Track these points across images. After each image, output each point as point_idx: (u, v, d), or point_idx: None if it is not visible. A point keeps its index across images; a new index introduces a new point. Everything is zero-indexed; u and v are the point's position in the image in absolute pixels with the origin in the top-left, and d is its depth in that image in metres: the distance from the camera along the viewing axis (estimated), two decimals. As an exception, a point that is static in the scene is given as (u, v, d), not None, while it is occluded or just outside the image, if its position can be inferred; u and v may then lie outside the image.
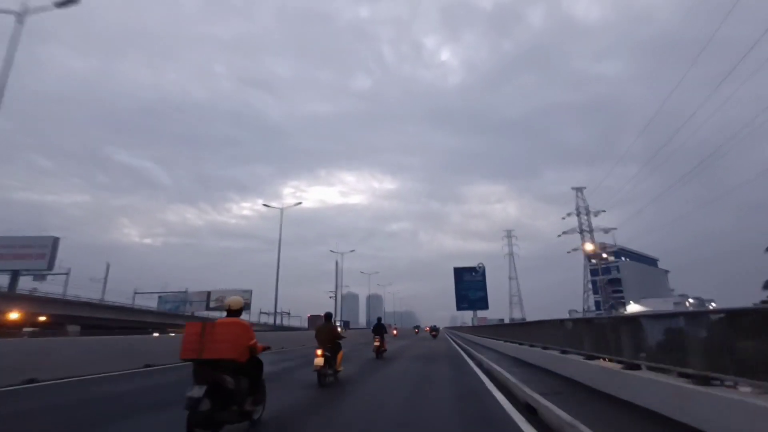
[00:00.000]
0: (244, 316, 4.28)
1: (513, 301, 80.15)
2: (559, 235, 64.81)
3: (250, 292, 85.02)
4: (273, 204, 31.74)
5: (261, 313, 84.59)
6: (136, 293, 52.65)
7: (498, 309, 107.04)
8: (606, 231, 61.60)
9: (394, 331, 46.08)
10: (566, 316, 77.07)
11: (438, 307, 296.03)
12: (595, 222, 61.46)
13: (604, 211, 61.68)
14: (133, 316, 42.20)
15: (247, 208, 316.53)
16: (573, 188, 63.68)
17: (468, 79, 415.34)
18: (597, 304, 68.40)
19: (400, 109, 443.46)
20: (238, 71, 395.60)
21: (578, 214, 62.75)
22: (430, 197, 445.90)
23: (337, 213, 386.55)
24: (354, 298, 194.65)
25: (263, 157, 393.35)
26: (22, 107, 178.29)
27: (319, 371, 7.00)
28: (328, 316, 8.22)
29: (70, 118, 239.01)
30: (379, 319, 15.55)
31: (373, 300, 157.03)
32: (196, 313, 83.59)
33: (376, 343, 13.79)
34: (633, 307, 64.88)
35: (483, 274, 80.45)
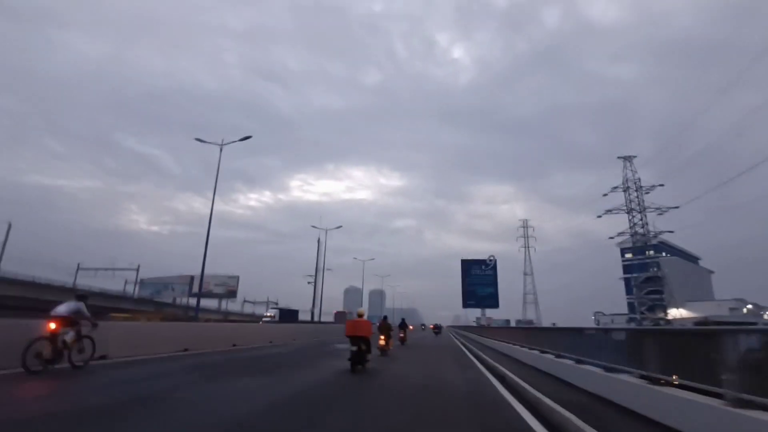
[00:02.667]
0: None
1: (527, 299, 69.65)
2: (599, 216, 52.80)
3: (236, 278, 78.58)
4: (209, 140, 23.33)
5: (245, 301, 76.40)
6: (79, 269, 45.62)
7: (506, 310, 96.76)
8: (661, 211, 48.45)
9: (410, 327, 50.97)
10: (591, 319, 66.31)
11: (441, 306, 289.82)
12: (648, 200, 48.95)
13: (661, 185, 48.30)
14: (49, 294, 34.81)
15: (253, 199, 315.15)
16: (620, 157, 51.31)
17: (480, 77, 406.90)
18: (630, 306, 57.61)
19: (410, 106, 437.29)
20: (249, 62, 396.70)
21: (625, 189, 50.12)
22: (437, 195, 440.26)
23: (343, 207, 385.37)
24: (357, 292, 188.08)
25: (271, 149, 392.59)
26: (34, 90, 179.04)
27: (382, 348, 13.11)
28: (385, 317, 14.89)
29: (81, 102, 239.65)
30: (403, 320, 22.01)
31: (375, 296, 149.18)
32: (178, 300, 76.97)
33: (401, 335, 19.72)
34: (677, 312, 53.67)
35: (494, 269, 70.57)
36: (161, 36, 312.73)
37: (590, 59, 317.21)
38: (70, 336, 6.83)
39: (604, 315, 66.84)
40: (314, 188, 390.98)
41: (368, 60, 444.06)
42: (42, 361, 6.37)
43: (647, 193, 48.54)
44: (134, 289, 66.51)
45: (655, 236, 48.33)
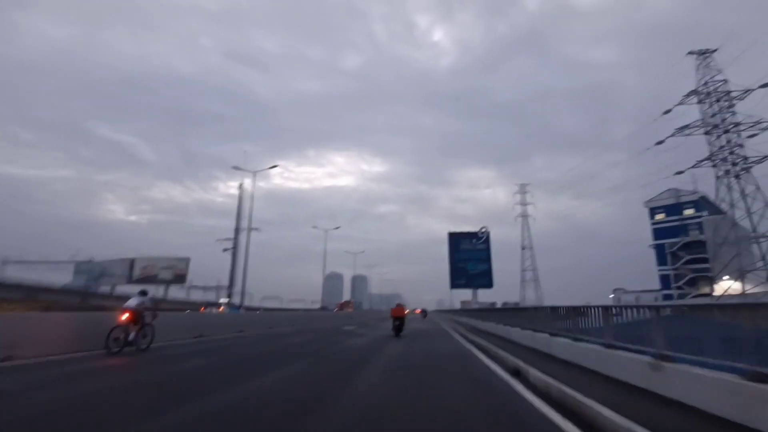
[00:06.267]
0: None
1: (526, 277, 56.55)
2: (659, 142, 36.40)
3: (186, 260, 67.20)
4: None
5: (191, 286, 64.19)
6: None
7: (497, 294, 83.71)
8: (760, 128, 31.34)
9: (407, 310, 48.37)
10: (609, 299, 53.48)
11: (425, 291, 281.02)
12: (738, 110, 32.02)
13: (766, 85, 30.59)
14: None
15: (233, 187, 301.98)
16: (691, 53, 34.81)
17: (461, 60, 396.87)
18: (664, 279, 44.72)
19: (392, 90, 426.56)
20: (225, 45, 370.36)
21: (703, 99, 33.44)
22: (420, 180, 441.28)
23: (326, 194, 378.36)
24: (338, 278, 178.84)
25: (251, 135, 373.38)
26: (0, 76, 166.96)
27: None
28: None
29: (51, 89, 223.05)
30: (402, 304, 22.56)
31: (358, 281, 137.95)
32: (118, 288, 65.50)
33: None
34: (725, 285, 40.64)
35: (487, 242, 57.82)
36: (132, 18, 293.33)
37: (571, 42, 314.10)
38: (137, 325, 8.59)
39: (626, 292, 54.30)
40: (295, 175, 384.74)
41: (348, 43, 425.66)
42: (118, 344, 8.08)
43: (731, 107, 32.15)
44: None
45: (760, 162, 31.33)
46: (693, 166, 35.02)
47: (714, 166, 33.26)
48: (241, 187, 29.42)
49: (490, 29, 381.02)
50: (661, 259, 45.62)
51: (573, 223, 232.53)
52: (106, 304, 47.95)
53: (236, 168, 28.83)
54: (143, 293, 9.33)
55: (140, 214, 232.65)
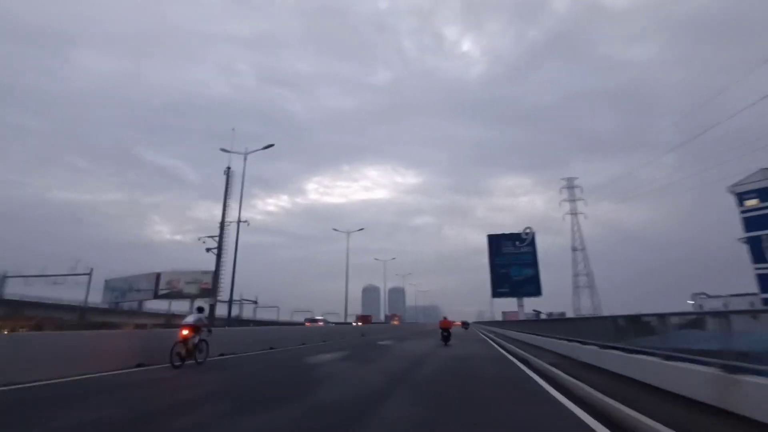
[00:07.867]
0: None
1: (579, 283, 48.71)
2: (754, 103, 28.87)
3: (211, 273, 65.41)
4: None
5: (218, 301, 61.81)
6: None
7: (544, 302, 75.10)
8: None
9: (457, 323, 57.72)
10: (688, 305, 44.73)
11: (464, 302, 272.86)
12: None
13: None
14: None
15: (272, 204, 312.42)
16: None
17: (492, 68, 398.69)
18: (763, 279, 36.12)
19: (423, 102, 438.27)
20: (260, 69, 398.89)
21: None
22: (455, 191, 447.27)
23: (361, 208, 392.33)
24: (375, 291, 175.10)
25: (287, 154, 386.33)
26: (57, 110, 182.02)
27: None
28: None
29: (102, 118, 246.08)
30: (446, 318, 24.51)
31: (395, 294, 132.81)
32: (147, 306, 65.18)
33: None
34: None
35: (532, 244, 50.83)
36: (172, 48, 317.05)
37: (605, 43, 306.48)
38: (195, 340, 9.12)
39: (709, 297, 45.34)
40: (331, 190, 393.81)
41: (378, 59, 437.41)
42: (180, 358, 8.70)
43: None
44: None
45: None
46: None
47: None
48: (228, 172, 25.44)
49: (520, 35, 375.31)
50: (758, 255, 36.98)
51: (624, 229, 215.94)
52: (112, 321, 45.95)
53: (224, 150, 25.08)
54: (200, 310, 10.11)
55: (185, 233, 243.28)
